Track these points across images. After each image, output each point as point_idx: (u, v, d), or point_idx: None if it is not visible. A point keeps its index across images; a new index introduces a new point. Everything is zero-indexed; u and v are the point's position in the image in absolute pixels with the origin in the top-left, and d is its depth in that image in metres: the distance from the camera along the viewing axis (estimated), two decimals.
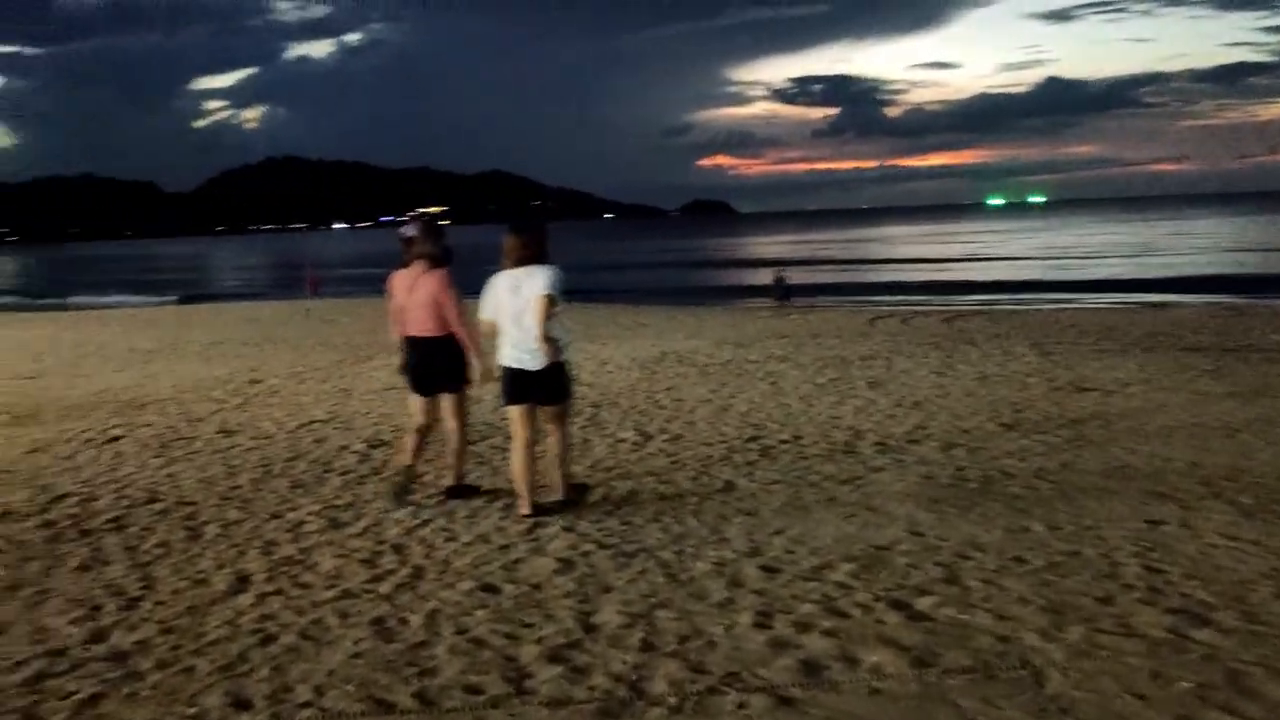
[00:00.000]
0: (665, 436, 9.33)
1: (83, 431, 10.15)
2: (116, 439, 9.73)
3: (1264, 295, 27.34)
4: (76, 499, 7.49)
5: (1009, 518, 6.53)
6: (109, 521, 6.90)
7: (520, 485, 6.87)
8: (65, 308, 40.38)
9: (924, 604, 5.12)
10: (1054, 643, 4.60)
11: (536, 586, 5.53)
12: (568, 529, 6.53)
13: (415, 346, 7.26)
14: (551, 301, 6.58)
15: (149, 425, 10.45)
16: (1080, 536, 6.09)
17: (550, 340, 6.64)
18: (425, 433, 7.38)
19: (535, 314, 6.58)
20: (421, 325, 7.16)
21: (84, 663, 4.66)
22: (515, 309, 6.69)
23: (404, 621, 5.06)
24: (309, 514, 7.01)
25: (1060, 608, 5.01)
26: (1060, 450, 8.37)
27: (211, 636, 4.92)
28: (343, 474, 8.15)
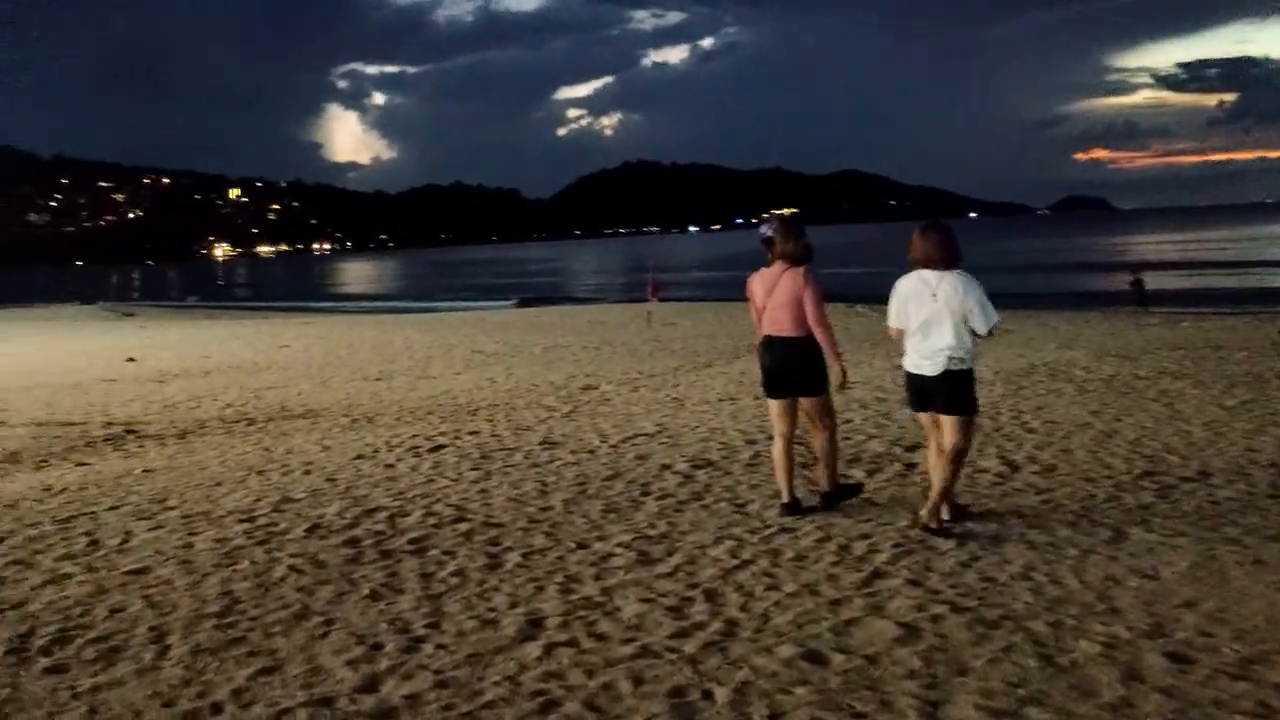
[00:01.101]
0: (1035, 468, 7.96)
1: (411, 437, 10.02)
2: (440, 447, 9.49)
3: None
4: (386, 514, 7.14)
5: None
6: (411, 542, 6.45)
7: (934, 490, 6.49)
8: (421, 310, 42.89)
9: None
10: None
11: (871, 659, 4.48)
12: (914, 582, 5.44)
13: (772, 347, 6.87)
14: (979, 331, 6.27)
15: (475, 433, 10.20)
16: None
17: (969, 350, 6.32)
18: (789, 441, 6.95)
19: (973, 326, 6.23)
20: (780, 325, 6.79)
21: (348, 718, 4.07)
22: (926, 316, 6.31)
23: (708, 695, 4.17)
24: (618, 545, 6.27)
25: None
26: None
27: (488, 696, 4.22)
28: (660, 498, 7.38)
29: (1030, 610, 4.99)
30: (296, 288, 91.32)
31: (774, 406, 6.97)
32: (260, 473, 8.70)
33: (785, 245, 6.80)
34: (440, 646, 4.77)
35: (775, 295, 6.76)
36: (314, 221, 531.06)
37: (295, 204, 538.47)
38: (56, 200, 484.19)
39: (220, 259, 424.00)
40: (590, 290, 62.08)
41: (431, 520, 6.93)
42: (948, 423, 6.34)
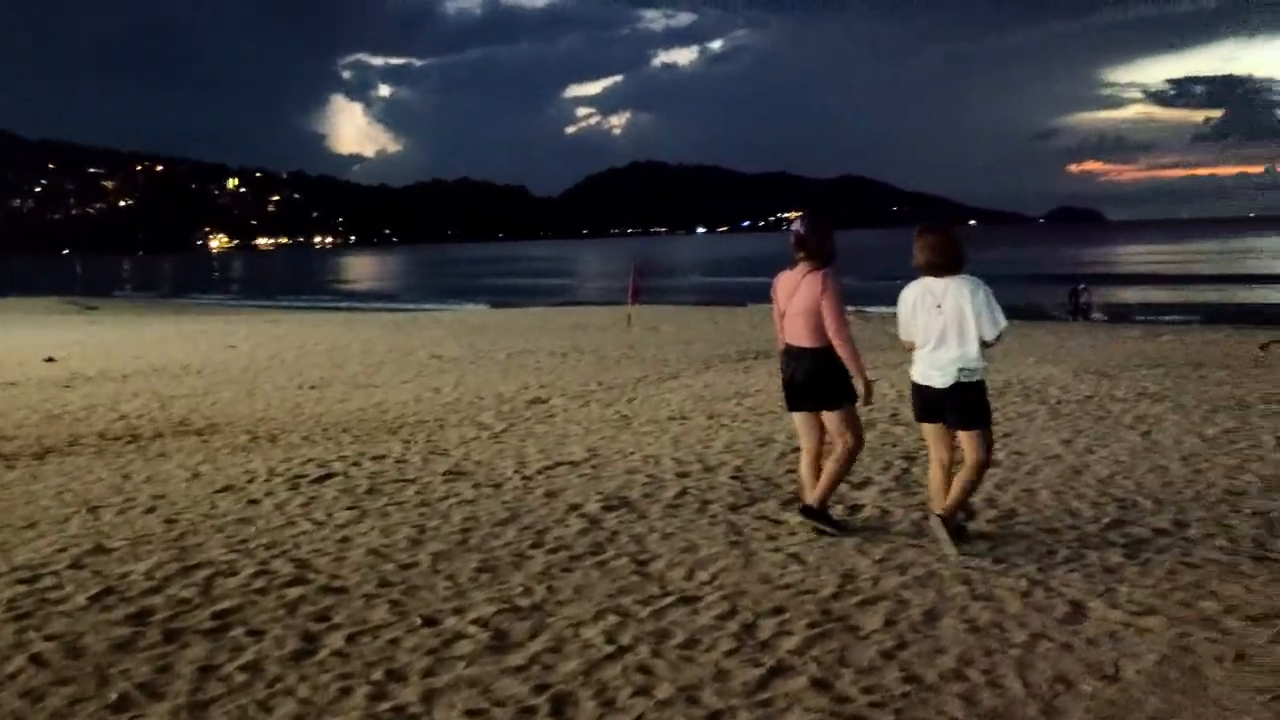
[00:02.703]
0: (992, 513, 6.87)
1: (302, 464, 8.88)
2: (327, 477, 8.34)
3: None
4: (208, 572, 5.91)
5: None
6: (215, 616, 5.21)
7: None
8: (394, 310, 41.79)
9: None
10: None
11: None
12: (820, 683, 4.38)
13: (789, 358, 6.46)
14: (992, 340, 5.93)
15: (380, 458, 9.08)
16: None
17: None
18: (814, 455, 6.56)
19: (974, 336, 5.89)
20: (796, 335, 6.35)
21: None
22: (934, 326, 5.99)
23: None
24: (474, 620, 5.15)
25: None
26: None
27: None
28: (552, 551, 6.27)
29: None
30: (287, 282, 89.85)
31: (795, 420, 6.61)
32: (94, 510, 7.38)
33: (818, 244, 6.30)
34: None
35: (794, 300, 6.32)
36: (315, 214, 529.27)
37: (296, 196, 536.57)
38: (42, 186, 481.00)
39: (217, 250, 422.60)
40: (595, 291, 60.46)
41: (260, 582, 5.72)
42: (965, 438, 6.05)
